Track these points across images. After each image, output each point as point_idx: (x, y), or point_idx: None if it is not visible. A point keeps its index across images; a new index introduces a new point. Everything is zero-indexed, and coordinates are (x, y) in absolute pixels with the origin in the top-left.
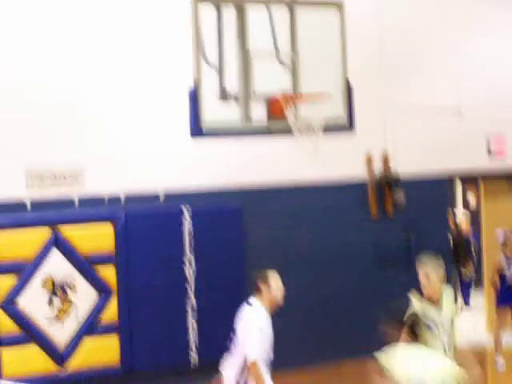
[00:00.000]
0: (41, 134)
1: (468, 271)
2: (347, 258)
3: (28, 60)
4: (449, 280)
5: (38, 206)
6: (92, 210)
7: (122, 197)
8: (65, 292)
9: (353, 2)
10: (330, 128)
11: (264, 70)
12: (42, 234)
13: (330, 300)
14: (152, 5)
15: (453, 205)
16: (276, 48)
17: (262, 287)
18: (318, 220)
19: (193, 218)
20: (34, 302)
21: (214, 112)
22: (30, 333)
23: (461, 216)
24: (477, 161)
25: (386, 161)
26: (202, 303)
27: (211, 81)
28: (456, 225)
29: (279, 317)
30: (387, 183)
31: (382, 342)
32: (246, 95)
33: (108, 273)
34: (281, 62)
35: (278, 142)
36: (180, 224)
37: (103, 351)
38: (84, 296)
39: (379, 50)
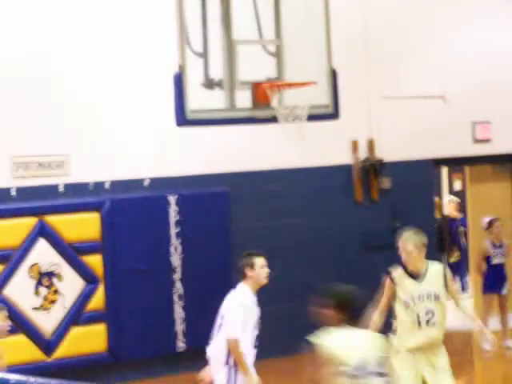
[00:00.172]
0: (25, 123)
1: (453, 257)
2: (333, 242)
3: (12, 47)
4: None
5: (23, 194)
6: (78, 198)
7: (108, 184)
8: (51, 281)
9: None
10: (316, 115)
11: (249, 58)
12: (28, 222)
13: (315, 284)
14: None
15: (438, 191)
16: (261, 36)
17: (247, 270)
18: (304, 205)
19: (179, 204)
20: (20, 291)
21: (199, 99)
22: (16, 322)
23: (449, 202)
24: (462, 147)
25: (371, 147)
26: (189, 290)
27: (196, 68)
28: (441, 211)
29: (265, 304)
30: (373, 169)
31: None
32: (230, 82)
33: (94, 261)
34: (265, 50)
35: (264, 129)
36: (166, 211)
37: (90, 340)
38: (70, 284)
39: (364, 37)
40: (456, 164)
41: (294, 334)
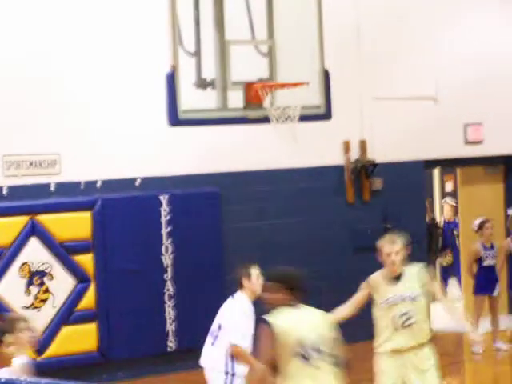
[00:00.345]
0: (17, 122)
1: (446, 260)
2: (324, 243)
3: (3, 46)
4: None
5: (14, 193)
6: (69, 197)
7: (99, 184)
8: (42, 280)
9: None
10: (308, 115)
11: (241, 58)
12: (19, 221)
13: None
14: None
15: (430, 192)
16: (253, 36)
17: (244, 281)
18: (296, 206)
19: (170, 203)
20: (10, 290)
21: (192, 99)
22: None
23: (445, 204)
24: (454, 148)
25: (363, 148)
26: (180, 290)
27: (188, 68)
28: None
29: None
30: (364, 170)
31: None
32: (223, 83)
33: (85, 260)
34: (258, 50)
35: (256, 129)
36: (157, 210)
37: (81, 339)
38: (61, 284)
39: (356, 38)
40: (448, 165)
41: None
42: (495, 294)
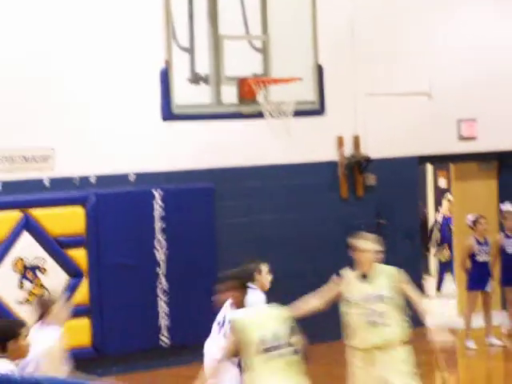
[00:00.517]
0: (11, 117)
1: (443, 256)
2: (317, 238)
3: None
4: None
5: (8, 188)
6: (63, 192)
7: (93, 179)
8: (35, 275)
9: None
10: (301, 111)
11: (235, 53)
12: (13, 216)
13: (298, 279)
14: None
15: (423, 188)
16: (247, 31)
17: (256, 274)
18: (289, 201)
19: (163, 199)
20: (4, 285)
21: (185, 94)
22: (0, 315)
23: (445, 200)
24: (447, 144)
25: (356, 144)
26: (174, 285)
27: (182, 64)
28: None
29: None
30: (358, 166)
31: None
32: (217, 78)
33: (79, 255)
34: (252, 46)
35: (249, 124)
36: (151, 205)
37: (74, 334)
38: (55, 278)
39: (351, 34)
40: (441, 161)
41: None
42: (488, 289)
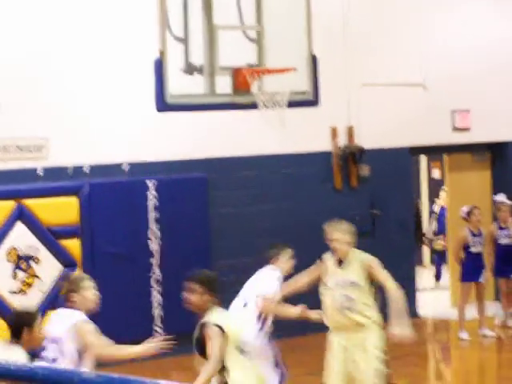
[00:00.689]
0: (4, 106)
1: (438, 245)
2: (311, 229)
3: None
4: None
5: (1, 177)
6: (56, 181)
7: (87, 169)
8: (29, 265)
9: None
10: (295, 101)
11: (229, 43)
12: (6, 205)
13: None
14: None
15: (417, 179)
16: (241, 21)
17: (276, 260)
18: (283, 191)
19: (157, 189)
20: None
21: (180, 84)
22: None
23: (442, 190)
24: (441, 135)
25: (350, 134)
26: (167, 275)
27: (176, 54)
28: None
29: None
30: (352, 156)
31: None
32: (211, 68)
33: (72, 245)
34: (246, 36)
35: (243, 115)
36: (144, 195)
37: None
38: (48, 268)
39: (344, 24)
40: (435, 152)
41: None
42: (482, 280)
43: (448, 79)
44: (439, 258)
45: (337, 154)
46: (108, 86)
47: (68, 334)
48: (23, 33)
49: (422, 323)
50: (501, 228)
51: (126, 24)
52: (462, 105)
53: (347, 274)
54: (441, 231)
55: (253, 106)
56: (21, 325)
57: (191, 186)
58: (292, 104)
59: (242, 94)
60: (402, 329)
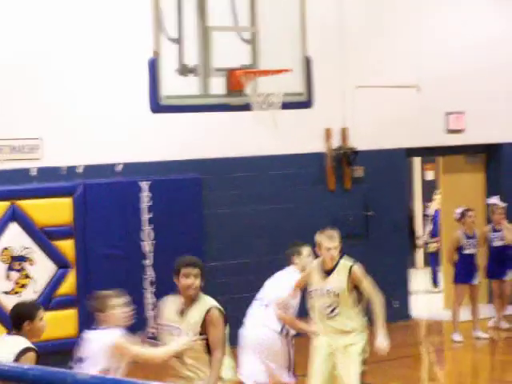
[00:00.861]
0: None
1: (432, 247)
2: (304, 230)
3: None
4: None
5: None
6: (50, 182)
7: (81, 169)
8: (22, 265)
9: None
10: (289, 102)
11: (224, 45)
12: (0, 207)
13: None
14: None
15: (410, 181)
16: (236, 23)
17: (294, 258)
18: (277, 192)
19: (151, 189)
20: None
21: (173, 85)
22: None
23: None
24: (435, 137)
25: (344, 136)
26: (161, 276)
27: (171, 55)
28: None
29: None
30: (345, 158)
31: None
32: (205, 69)
33: (66, 246)
34: (240, 37)
35: (237, 116)
36: (138, 196)
37: (61, 324)
38: (42, 269)
39: (339, 26)
40: (429, 154)
41: None
42: (475, 282)
43: (442, 81)
44: (434, 261)
45: (330, 155)
46: (102, 86)
47: (99, 355)
48: (15, 34)
49: (415, 325)
50: (494, 230)
51: (119, 25)
52: (457, 107)
53: (333, 283)
54: (436, 234)
55: (247, 107)
56: (22, 316)
57: (185, 187)
58: (286, 105)
59: (236, 95)
60: (381, 341)
